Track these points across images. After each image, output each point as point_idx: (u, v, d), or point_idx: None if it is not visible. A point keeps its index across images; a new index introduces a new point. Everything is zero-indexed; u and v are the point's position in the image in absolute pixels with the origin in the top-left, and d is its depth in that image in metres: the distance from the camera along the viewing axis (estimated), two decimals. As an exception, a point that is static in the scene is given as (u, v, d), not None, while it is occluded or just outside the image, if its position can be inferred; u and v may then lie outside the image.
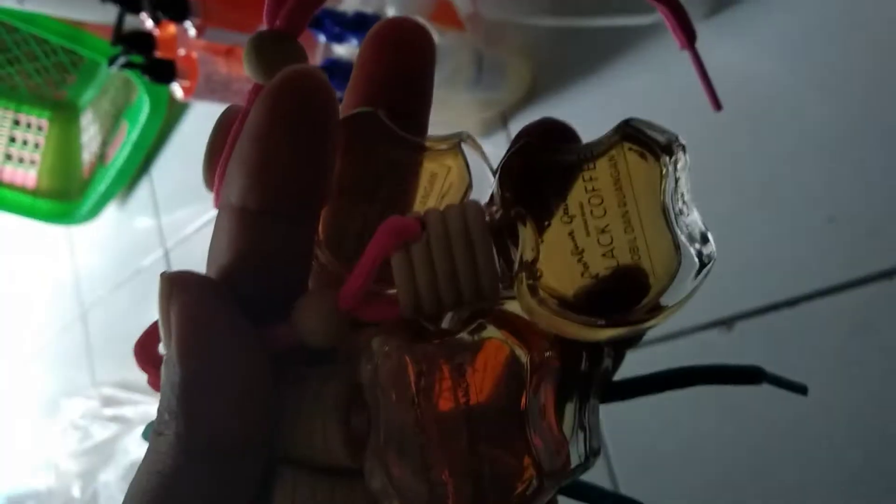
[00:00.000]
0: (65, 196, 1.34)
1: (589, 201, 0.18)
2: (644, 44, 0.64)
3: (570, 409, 0.19)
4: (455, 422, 0.18)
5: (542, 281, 0.18)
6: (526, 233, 0.18)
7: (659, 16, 0.57)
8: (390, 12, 0.63)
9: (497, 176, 0.19)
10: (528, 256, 0.18)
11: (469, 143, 0.21)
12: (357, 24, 0.60)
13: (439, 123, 0.22)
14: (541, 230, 0.18)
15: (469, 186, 0.21)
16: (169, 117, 1.15)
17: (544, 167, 0.18)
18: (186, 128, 1.17)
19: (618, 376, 0.22)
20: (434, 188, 0.21)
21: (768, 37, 0.58)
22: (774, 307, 0.57)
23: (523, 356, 0.18)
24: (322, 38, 0.63)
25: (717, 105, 0.26)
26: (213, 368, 0.18)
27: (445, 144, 0.21)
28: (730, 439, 0.59)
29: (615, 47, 0.65)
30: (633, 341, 0.20)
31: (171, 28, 0.81)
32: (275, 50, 0.20)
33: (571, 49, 0.69)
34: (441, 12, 0.68)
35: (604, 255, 0.18)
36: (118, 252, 1.34)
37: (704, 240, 0.18)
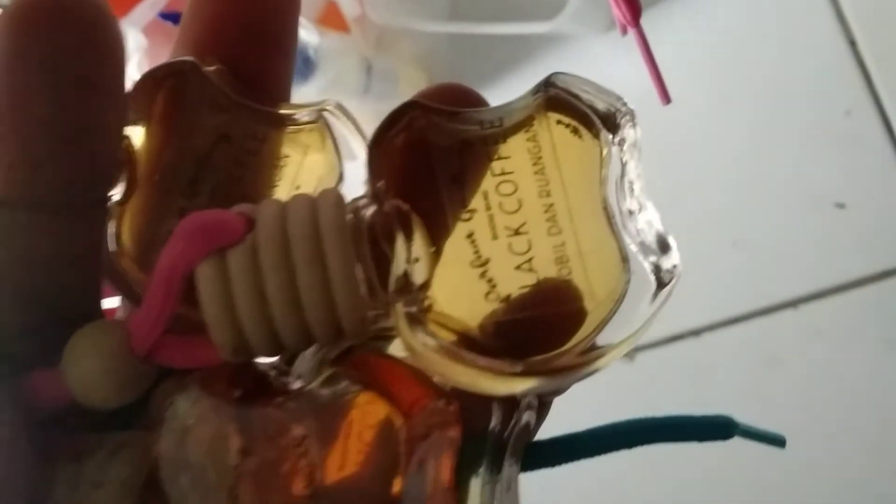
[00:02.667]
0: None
1: (497, 189, 0.13)
2: (544, 52, 0.61)
3: (475, 485, 0.13)
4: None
5: (431, 309, 0.12)
6: (408, 240, 0.12)
7: (558, 24, 0.54)
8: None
9: (368, 155, 0.13)
10: (414, 276, 0.12)
11: (339, 113, 0.15)
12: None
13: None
14: (433, 235, 0.13)
15: (340, 178, 0.15)
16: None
17: (435, 141, 0.13)
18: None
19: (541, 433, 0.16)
20: (285, 176, 0.15)
21: (671, 45, 0.55)
22: (678, 337, 0.55)
23: (399, 428, 0.12)
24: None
25: (666, 97, 0.22)
26: None
27: (306, 114, 0.15)
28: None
29: (514, 56, 0.62)
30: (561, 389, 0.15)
31: None
32: None
33: (469, 57, 0.65)
34: (326, 14, 0.63)
35: (518, 267, 0.13)
36: None
37: (664, 247, 0.13)
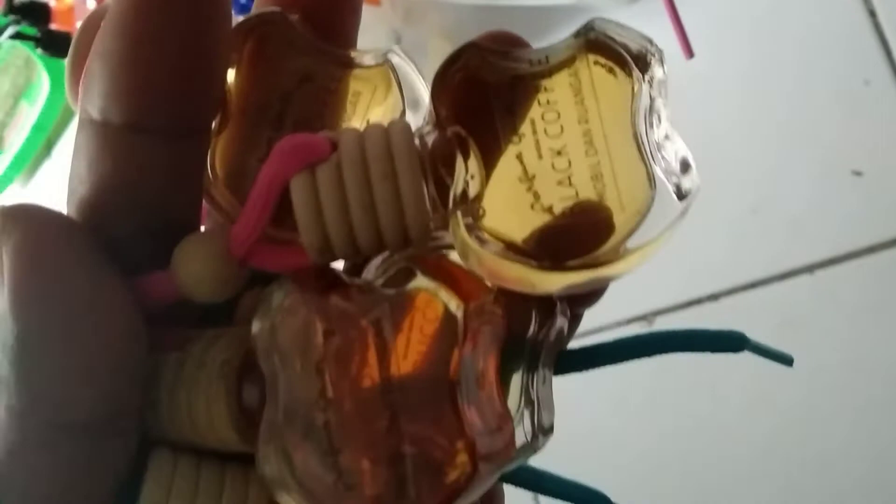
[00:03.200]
0: (-39, 181, 1.26)
1: (542, 117, 0.15)
2: (568, 23, 0.62)
3: (516, 379, 0.16)
4: (372, 394, 0.14)
5: (485, 217, 0.14)
6: (465, 160, 0.14)
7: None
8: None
9: (431, 88, 0.15)
10: (470, 190, 0.14)
11: (402, 58, 0.17)
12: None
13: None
14: (485, 158, 0.15)
15: (402, 112, 0.17)
16: (72, 97, 1.09)
17: (489, 77, 0.15)
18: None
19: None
20: (357, 111, 0.18)
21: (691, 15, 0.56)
22: (696, 301, 0.56)
23: (457, 311, 0.14)
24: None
25: (690, 52, 0.23)
26: (61, 324, 0.13)
27: (372, 58, 0.17)
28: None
29: (540, 27, 0.63)
30: (592, 297, 0.17)
31: (69, -1, 0.76)
32: None
33: (496, 29, 0.66)
34: (358, -14, 0.64)
35: (559, 182, 0.14)
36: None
37: (685, 168, 0.14)
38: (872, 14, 0.50)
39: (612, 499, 0.18)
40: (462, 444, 0.14)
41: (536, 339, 0.16)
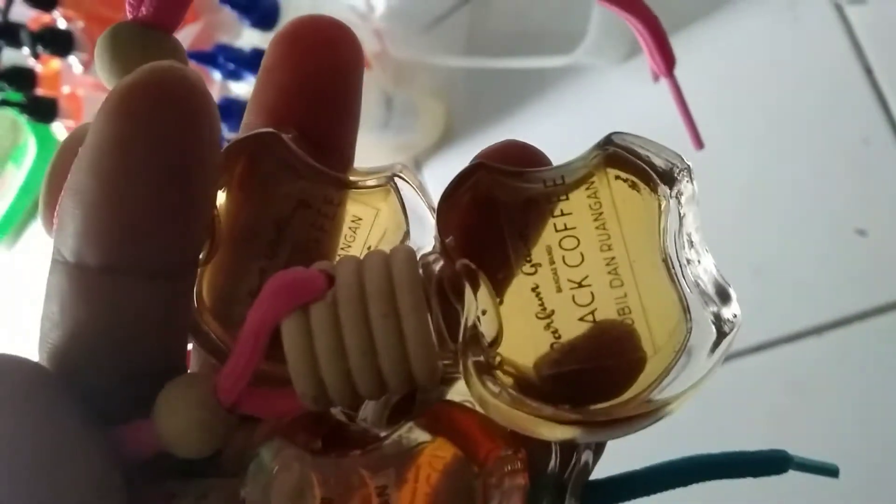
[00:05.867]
0: (-52, 241, 1.26)
1: (560, 244, 0.13)
2: (561, 83, 0.62)
3: None
4: None
5: (500, 360, 0.13)
6: (475, 293, 0.13)
7: (576, 57, 0.55)
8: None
9: (437, 213, 0.14)
10: (482, 328, 0.13)
11: (406, 176, 0.16)
12: (255, 61, 0.56)
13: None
14: (497, 288, 0.13)
15: (406, 235, 0.16)
16: (59, 160, 1.09)
17: (500, 199, 0.14)
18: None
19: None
20: (358, 237, 0.16)
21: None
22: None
23: (472, 471, 0.13)
24: (217, 76, 0.59)
25: (699, 142, 0.22)
26: (29, 479, 0.12)
27: (374, 180, 0.16)
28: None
29: (532, 89, 0.63)
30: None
31: (55, 64, 0.76)
32: (137, 44, 0.14)
33: (487, 91, 0.66)
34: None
35: (582, 318, 0.13)
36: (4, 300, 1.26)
37: (724, 298, 0.13)
38: (869, 72, 0.50)
39: None
40: None
41: (559, 476, 0.14)
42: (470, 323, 0.13)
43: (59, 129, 0.78)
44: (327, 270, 0.13)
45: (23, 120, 1.03)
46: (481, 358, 0.13)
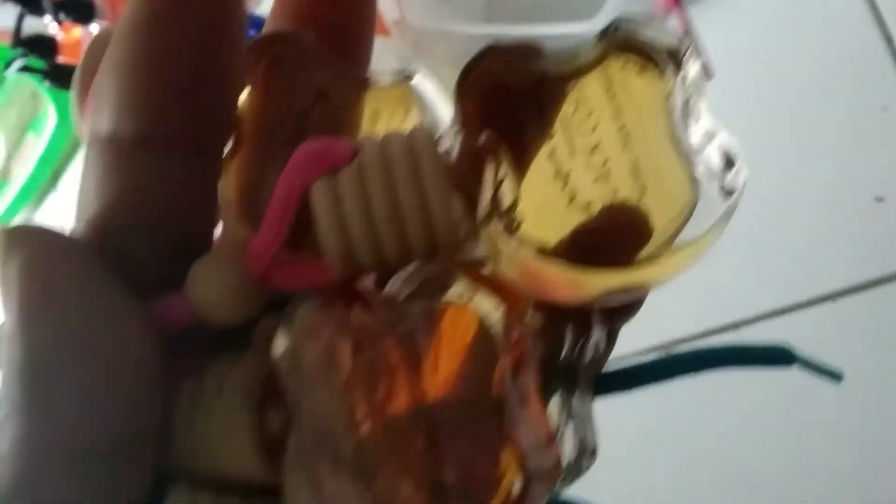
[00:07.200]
0: (-35, 213, 1.26)
1: (573, 114, 0.14)
2: (582, 52, 0.62)
3: (553, 400, 0.15)
4: (406, 414, 0.13)
5: (520, 222, 0.13)
6: (497, 165, 0.13)
7: (597, 22, 0.55)
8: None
9: (456, 90, 0.14)
10: (502, 195, 0.13)
11: (421, 77, 0.17)
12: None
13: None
14: (516, 160, 0.14)
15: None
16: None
17: (513, 79, 0.14)
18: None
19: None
20: (375, 131, 0.17)
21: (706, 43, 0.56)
22: (716, 331, 0.56)
23: (498, 322, 0.13)
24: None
25: (709, 74, 0.22)
26: (71, 344, 0.13)
27: (390, 77, 0.17)
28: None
29: (552, 55, 0.63)
30: (629, 310, 0.16)
31: (77, 31, 0.76)
32: None
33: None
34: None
35: (596, 179, 0.14)
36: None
37: (729, 164, 0.13)
38: (889, 40, 0.50)
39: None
40: (510, 462, 0.13)
41: (572, 357, 0.15)
42: (491, 191, 0.13)
43: (80, 97, 0.79)
44: (352, 143, 0.14)
45: (43, 90, 1.03)
46: (503, 222, 0.13)
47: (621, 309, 0.16)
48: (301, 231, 0.14)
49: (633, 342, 0.56)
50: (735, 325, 0.55)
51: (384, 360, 0.13)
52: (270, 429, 0.14)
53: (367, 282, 0.15)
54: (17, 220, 1.22)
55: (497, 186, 0.13)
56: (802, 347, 0.50)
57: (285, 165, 0.14)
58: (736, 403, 0.54)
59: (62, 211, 1.19)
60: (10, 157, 1.21)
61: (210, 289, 0.14)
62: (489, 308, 0.13)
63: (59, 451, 0.12)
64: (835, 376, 0.17)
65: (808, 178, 0.52)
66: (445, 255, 0.14)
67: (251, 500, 0.14)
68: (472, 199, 0.14)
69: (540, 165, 0.14)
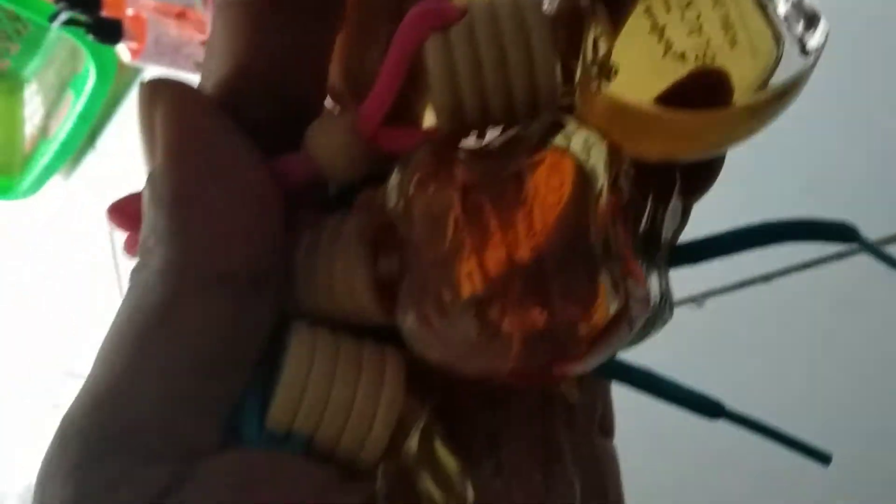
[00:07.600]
0: (5, 170, 1.28)
1: None
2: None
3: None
4: (515, 251, 0.14)
5: (618, 70, 0.14)
6: (595, 22, 0.14)
7: None
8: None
9: None
10: (600, 47, 0.14)
11: None
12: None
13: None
14: (614, 19, 0.15)
15: None
16: (117, 88, 1.10)
17: None
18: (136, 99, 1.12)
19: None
20: None
21: None
22: (748, 282, 0.56)
23: (596, 165, 0.14)
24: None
25: None
26: (212, 180, 0.14)
27: None
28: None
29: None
30: (705, 182, 0.17)
31: (119, -15, 0.77)
32: None
33: None
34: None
35: (690, 32, 0.14)
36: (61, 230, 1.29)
37: (810, 24, 0.14)
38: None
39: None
40: (608, 289, 0.14)
41: (653, 224, 0.16)
42: (590, 44, 0.14)
43: (123, 52, 0.80)
44: (461, 3, 0.15)
45: (84, 47, 1.04)
46: (604, 68, 0.14)
47: (697, 182, 0.17)
48: (404, 104, 0.15)
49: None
50: (766, 277, 0.54)
51: (494, 199, 0.14)
52: (384, 271, 0.15)
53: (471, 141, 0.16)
54: (55, 186, 1.24)
55: (596, 40, 0.14)
56: (835, 299, 0.49)
57: (388, 39, 0.15)
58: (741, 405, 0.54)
59: (100, 171, 1.20)
60: (48, 116, 1.22)
61: (328, 144, 0.15)
62: (587, 154, 0.14)
63: (198, 275, 0.14)
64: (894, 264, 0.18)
65: (844, 130, 0.52)
66: (545, 107, 0.15)
67: (364, 341, 0.15)
68: (573, 52, 0.15)
69: (636, 20, 0.15)
